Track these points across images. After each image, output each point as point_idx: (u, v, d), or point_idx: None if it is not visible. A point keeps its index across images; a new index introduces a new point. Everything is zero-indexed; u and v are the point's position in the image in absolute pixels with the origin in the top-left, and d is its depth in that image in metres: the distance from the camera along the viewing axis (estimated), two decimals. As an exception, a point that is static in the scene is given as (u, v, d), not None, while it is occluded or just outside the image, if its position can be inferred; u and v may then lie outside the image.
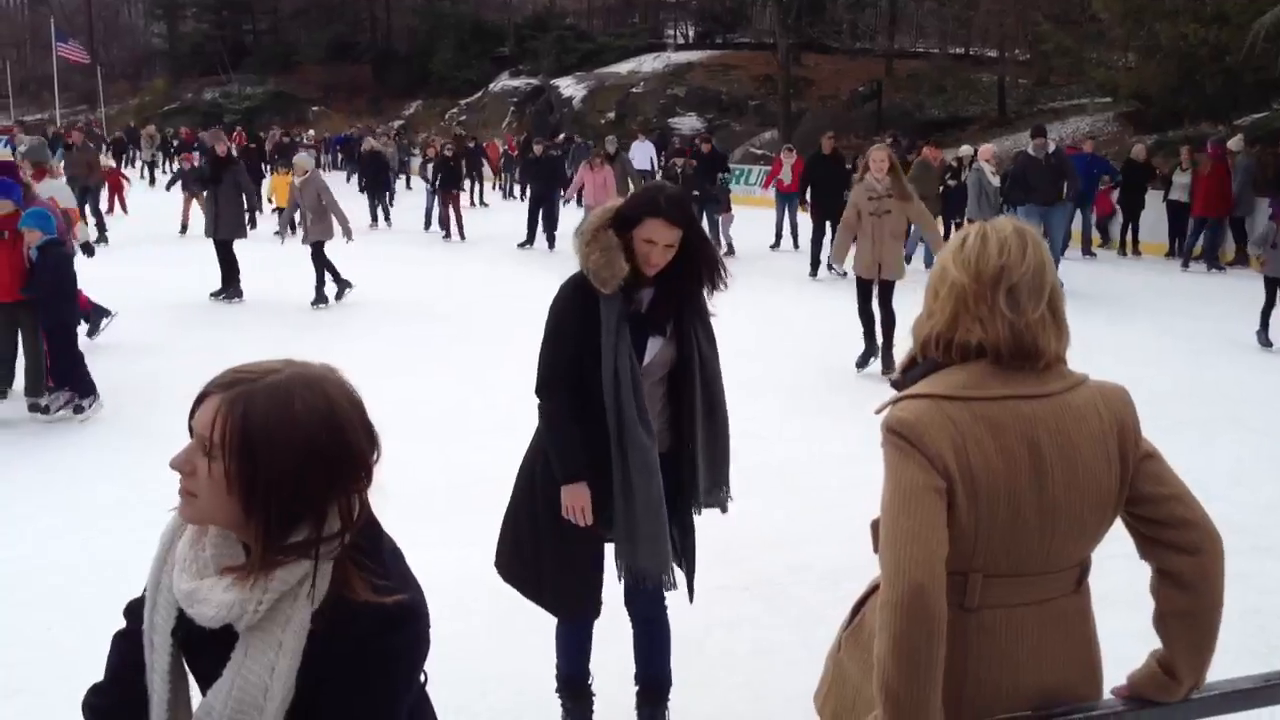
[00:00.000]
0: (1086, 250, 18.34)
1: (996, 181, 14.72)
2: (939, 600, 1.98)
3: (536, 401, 3.56)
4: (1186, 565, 2.12)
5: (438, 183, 21.28)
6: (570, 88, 44.75)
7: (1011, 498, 2.06)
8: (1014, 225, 2.19)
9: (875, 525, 2.21)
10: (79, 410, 8.31)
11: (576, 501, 3.45)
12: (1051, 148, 14.99)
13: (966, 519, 2.05)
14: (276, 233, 14.75)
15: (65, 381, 8.35)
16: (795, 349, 11.09)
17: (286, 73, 58.12)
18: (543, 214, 19.63)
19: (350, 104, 54.37)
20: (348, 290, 13.68)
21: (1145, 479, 2.15)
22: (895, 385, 2.25)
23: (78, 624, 4.74)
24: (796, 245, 18.82)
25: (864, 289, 9.88)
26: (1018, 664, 2.14)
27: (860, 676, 2.32)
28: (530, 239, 19.67)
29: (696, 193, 16.66)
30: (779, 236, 19.48)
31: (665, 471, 3.52)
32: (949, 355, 2.14)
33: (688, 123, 37.99)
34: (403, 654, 1.73)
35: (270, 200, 20.89)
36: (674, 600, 3.79)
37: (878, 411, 2.18)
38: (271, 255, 14.87)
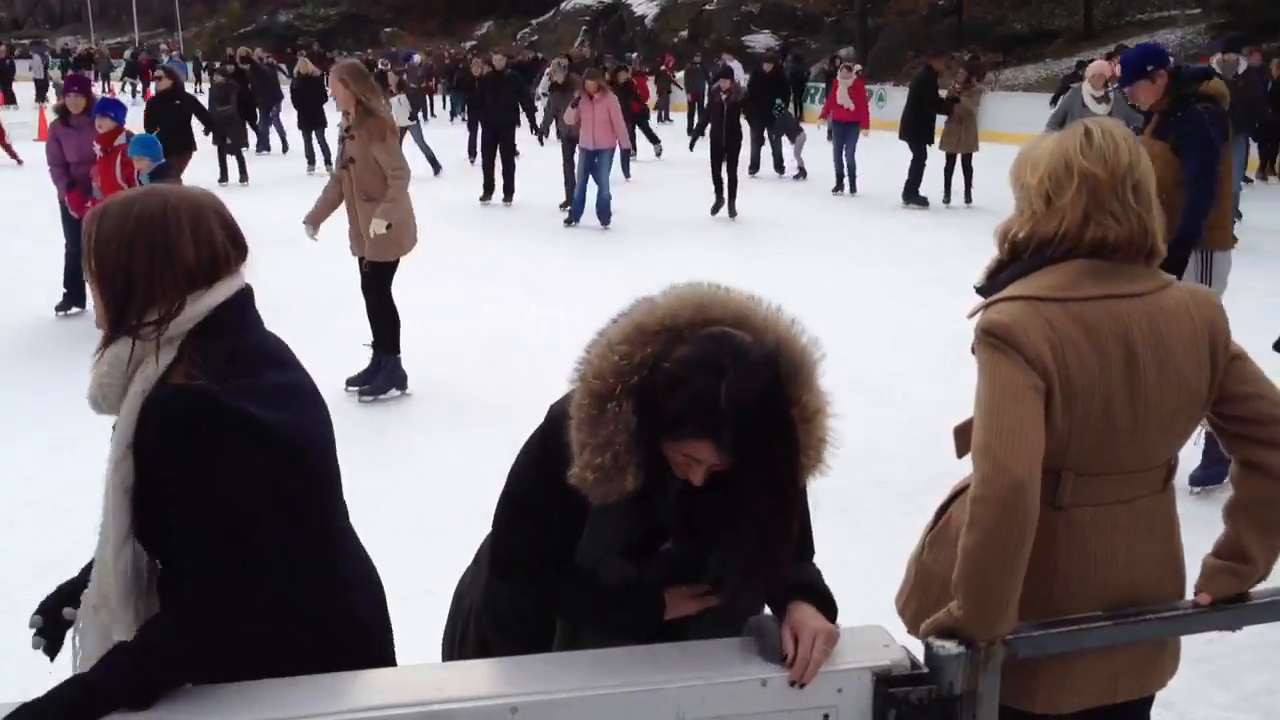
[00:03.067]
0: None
1: (1101, 109, 10.97)
2: (1035, 498, 2.02)
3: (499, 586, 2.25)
4: (1273, 458, 2.17)
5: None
6: (642, 6, 44.15)
7: (1105, 398, 2.09)
8: (1119, 124, 2.22)
9: (959, 430, 2.24)
10: None
11: (678, 604, 2.07)
12: (1243, 66, 12.49)
13: (1061, 419, 2.08)
14: None
15: None
16: (871, 273, 11.03)
17: (360, -7, 58.10)
18: (501, 153, 15.02)
19: (423, 24, 54.21)
20: None
21: (1234, 378, 2.19)
22: (980, 291, 2.27)
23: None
24: (854, 188, 16.10)
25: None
26: (1107, 561, 2.18)
27: (945, 578, 2.35)
28: (489, 189, 15.31)
29: (744, 120, 14.79)
30: (839, 177, 16.17)
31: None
32: (1069, 254, 2.14)
33: (762, 40, 37.38)
34: (204, 442, 1.82)
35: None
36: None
37: (970, 315, 2.20)
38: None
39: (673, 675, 1.88)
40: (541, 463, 2.01)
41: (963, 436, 2.29)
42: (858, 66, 18.61)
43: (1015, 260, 2.23)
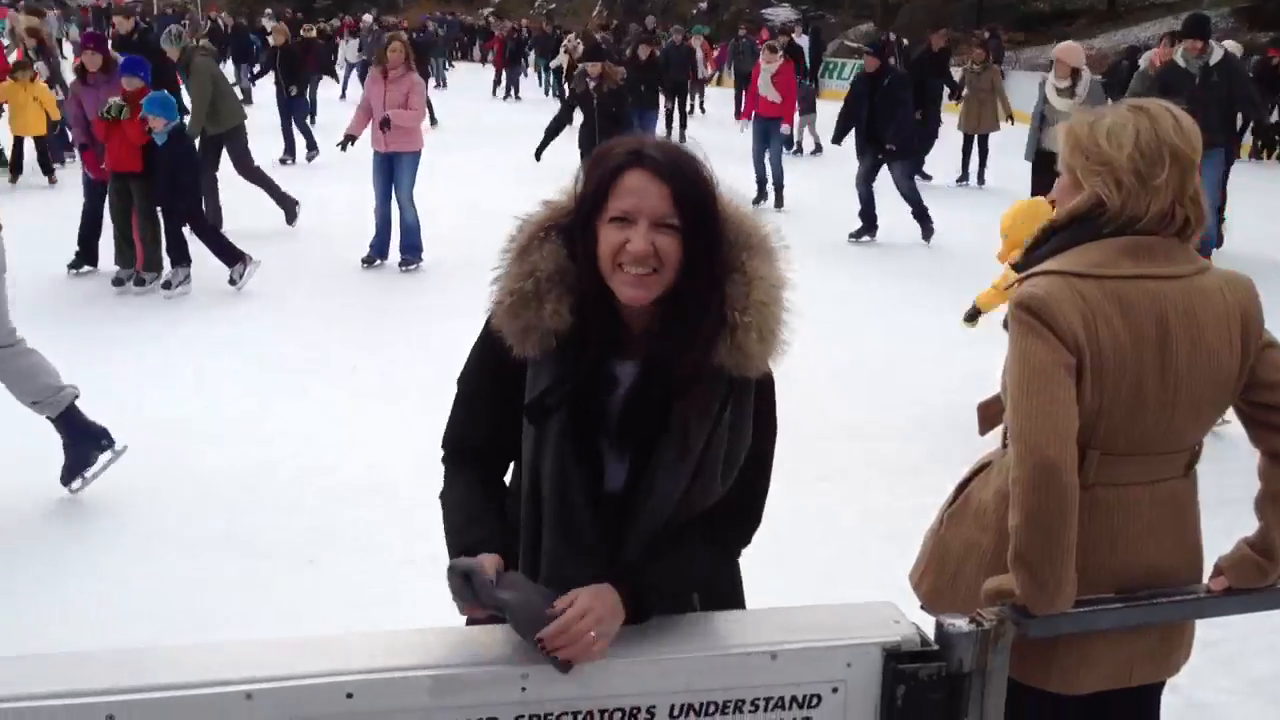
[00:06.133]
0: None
1: (1064, 104, 9.45)
2: (1070, 475, 2.04)
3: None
4: None
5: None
6: (663, -26, 43.85)
7: (1136, 376, 2.09)
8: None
9: (981, 408, 2.24)
10: (167, 285, 8.68)
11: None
12: (1216, 56, 9.52)
13: (1091, 396, 2.09)
14: None
15: (177, 261, 8.72)
16: (877, 253, 11.00)
17: (378, -44, 57.84)
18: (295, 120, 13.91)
19: (442, -12, 53.93)
20: None
21: (1266, 366, 2.18)
22: (1016, 268, 2.27)
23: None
24: (780, 202, 12.60)
25: None
26: (1128, 542, 2.19)
27: (962, 554, 2.38)
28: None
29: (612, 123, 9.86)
30: (760, 185, 12.69)
31: None
32: (1146, 231, 2.12)
33: (781, 13, 37.06)
34: None
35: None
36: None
37: (1007, 288, 2.21)
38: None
39: (681, 646, 1.88)
40: (477, 349, 2.04)
41: (986, 413, 2.29)
42: (783, 44, 16.34)
43: (1055, 235, 2.22)
